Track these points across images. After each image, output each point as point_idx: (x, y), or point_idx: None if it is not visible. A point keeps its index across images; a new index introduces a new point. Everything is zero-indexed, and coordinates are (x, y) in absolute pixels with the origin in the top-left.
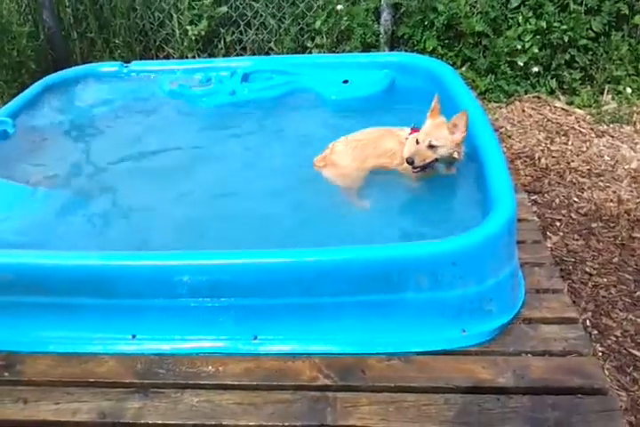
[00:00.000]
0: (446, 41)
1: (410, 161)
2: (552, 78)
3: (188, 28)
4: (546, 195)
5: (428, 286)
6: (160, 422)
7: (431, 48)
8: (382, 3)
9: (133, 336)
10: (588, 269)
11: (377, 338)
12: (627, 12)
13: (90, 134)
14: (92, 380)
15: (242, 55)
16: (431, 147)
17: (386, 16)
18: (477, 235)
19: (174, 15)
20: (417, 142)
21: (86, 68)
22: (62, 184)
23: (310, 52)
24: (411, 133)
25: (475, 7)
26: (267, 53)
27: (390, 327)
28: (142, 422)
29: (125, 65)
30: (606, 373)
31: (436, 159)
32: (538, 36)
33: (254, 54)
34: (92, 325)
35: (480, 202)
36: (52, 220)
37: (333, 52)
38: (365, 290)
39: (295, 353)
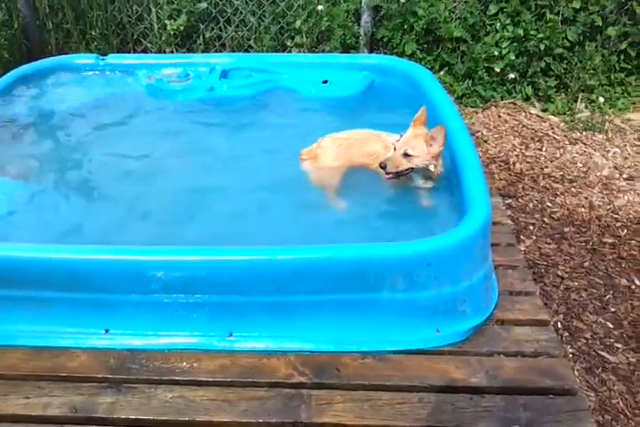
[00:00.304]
0: (425, 45)
1: (382, 166)
2: (528, 85)
3: (167, 22)
4: (520, 199)
5: (403, 286)
6: (133, 417)
7: (410, 52)
8: (363, 5)
9: (106, 331)
10: (559, 273)
11: (352, 336)
12: (600, 24)
13: (62, 126)
14: (63, 374)
15: (221, 52)
16: (406, 155)
17: (366, 18)
18: (453, 237)
19: (153, 9)
20: (394, 149)
21: (61, 59)
22: (32, 176)
23: (290, 51)
24: (398, 141)
25: (454, 13)
26: (246, 51)
27: (365, 326)
28: (115, 416)
29: (102, 58)
30: (576, 374)
31: (411, 169)
32: (515, 44)
33: (233, 51)
34: (64, 319)
35: (456, 204)
36: (20, 212)
37: (313, 51)
38: (341, 289)
39: (270, 350)
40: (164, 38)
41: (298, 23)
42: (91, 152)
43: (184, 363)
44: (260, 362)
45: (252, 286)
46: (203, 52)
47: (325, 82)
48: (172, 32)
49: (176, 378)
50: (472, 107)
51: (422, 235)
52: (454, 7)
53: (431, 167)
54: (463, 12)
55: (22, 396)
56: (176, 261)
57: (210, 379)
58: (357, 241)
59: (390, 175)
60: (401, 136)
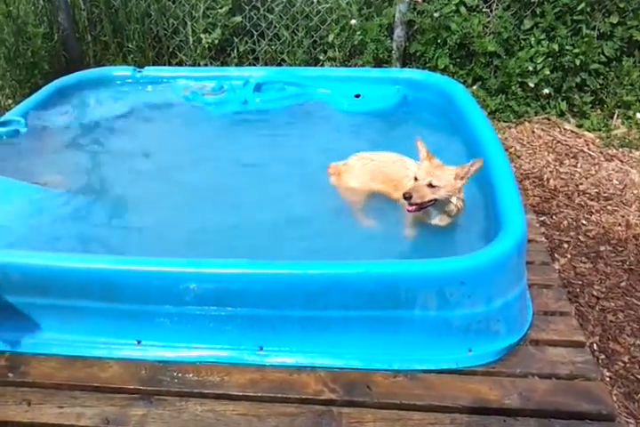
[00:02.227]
0: (458, 59)
1: (407, 196)
2: (562, 100)
3: (202, 36)
4: (554, 216)
5: (435, 304)
6: None
7: (443, 66)
8: (396, 19)
9: (138, 342)
10: (595, 293)
11: (383, 354)
12: (639, 38)
13: (100, 137)
14: (96, 384)
15: (254, 65)
16: (430, 186)
17: (399, 32)
18: (487, 254)
19: (188, 23)
20: (415, 179)
21: (100, 71)
22: (70, 185)
23: (322, 65)
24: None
25: (488, 27)
26: (279, 64)
27: (396, 344)
28: None
29: (138, 70)
30: (614, 399)
31: (435, 200)
32: (550, 59)
33: (266, 65)
34: (98, 329)
35: (490, 221)
36: (56, 221)
37: (345, 65)
38: (373, 305)
39: (300, 366)
40: (198, 51)
41: (331, 37)
42: (126, 163)
43: (215, 376)
44: (291, 377)
45: (284, 300)
46: (236, 65)
47: (358, 96)
48: (206, 45)
49: (206, 391)
50: (505, 122)
51: (456, 252)
52: (488, 22)
53: (453, 199)
54: (497, 27)
55: (56, 405)
56: (209, 273)
57: (240, 393)
58: (386, 258)
59: (413, 207)
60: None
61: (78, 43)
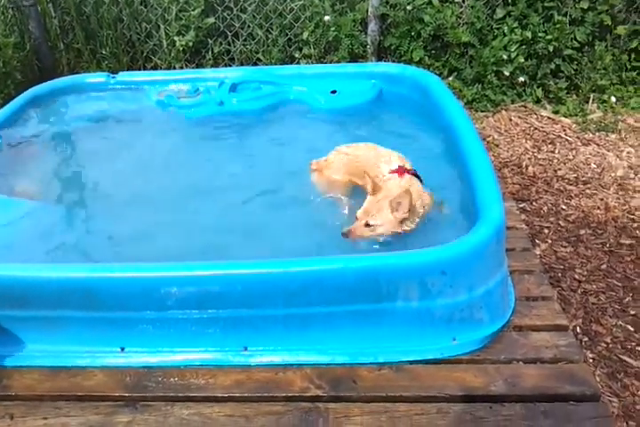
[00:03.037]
0: (433, 51)
1: (345, 236)
2: (538, 87)
3: (176, 38)
4: (534, 203)
5: (417, 294)
6: None
7: (418, 58)
8: (369, 14)
9: (122, 349)
10: (577, 277)
11: (367, 348)
12: (609, 23)
13: (77, 146)
14: (80, 394)
15: (230, 66)
16: (368, 226)
17: (373, 27)
18: (467, 243)
19: (161, 26)
20: (356, 218)
21: (73, 78)
22: (48, 197)
23: (298, 63)
24: (392, 173)
25: (461, 18)
26: (254, 64)
27: (381, 337)
28: None
29: (112, 76)
30: (597, 379)
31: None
32: (523, 46)
33: (242, 65)
34: (80, 338)
35: (468, 210)
36: (36, 232)
37: (321, 62)
38: (354, 299)
39: (286, 364)
40: (173, 54)
41: (305, 34)
42: (102, 170)
43: (200, 379)
44: (276, 376)
45: (265, 299)
46: (212, 66)
47: (334, 92)
48: (180, 48)
49: (192, 395)
50: (482, 111)
51: (437, 240)
52: (461, 12)
53: (397, 230)
54: (470, 17)
55: (40, 417)
56: (187, 276)
57: (226, 395)
58: (369, 251)
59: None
60: (398, 167)
61: (51, 51)
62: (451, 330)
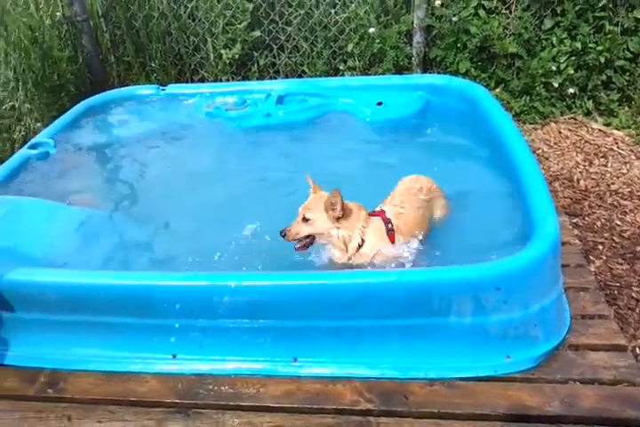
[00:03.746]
0: (479, 63)
1: (282, 234)
2: (588, 99)
3: (223, 51)
4: (586, 217)
5: (471, 310)
6: None
7: (464, 70)
8: (414, 25)
9: (174, 356)
10: (634, 295)
11: (419, 363)
12: None
13: (128, 155)
14: (133, 399)
15: (275, 78)
16: (305, 220)
17: (418, 38)
18: (522, 259)
19: (209, 39)
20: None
21: (124, 90)
22: (100, 204)
23: (343, 75)
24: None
25: (508, 29)
26: (299, 76)
27: (432, 352)
28: None
29: (162, 88)
30: None
31: (312, 236)
32: (573, 57)
33: (287, 77)
34: (134, 344)
35: (521, 225)
36: (88, 239)
37: (366, 74)
38: (407, 314)
39: (335, 376)
40: (219, 67)
41: (350, 47)
42: (154, 180)
43: (250, 388)
44: (326, 388)
45: (316, 311)
46: (258, 79)
47: (380, 104)
48: (227, 61)
49: (242, 404)
50: (531, 123)
51: (491, 255)
52: (508, 23)
53: (333, 232)
54: (517, 28)
55: (95, 420)
56: (241, 286)
57: (276, 405)
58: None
59: (299, 245)
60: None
61: (102, 64)
62: (504, 347)
